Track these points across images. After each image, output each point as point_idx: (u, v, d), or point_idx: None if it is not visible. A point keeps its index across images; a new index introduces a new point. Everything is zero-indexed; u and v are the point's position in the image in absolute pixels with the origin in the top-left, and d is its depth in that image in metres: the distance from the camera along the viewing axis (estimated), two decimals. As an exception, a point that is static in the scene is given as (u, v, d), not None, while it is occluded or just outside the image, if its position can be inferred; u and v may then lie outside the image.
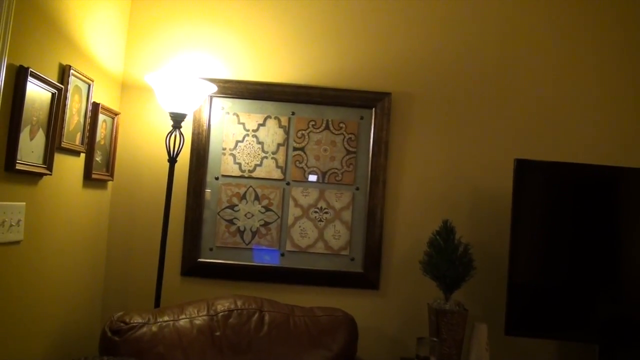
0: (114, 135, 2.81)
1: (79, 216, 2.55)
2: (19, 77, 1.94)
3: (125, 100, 2.93)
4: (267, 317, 2.50)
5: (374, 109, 2.93)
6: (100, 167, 2.69)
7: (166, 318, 2.33)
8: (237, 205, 2.93)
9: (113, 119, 2.79)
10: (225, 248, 2.92)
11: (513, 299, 2.58)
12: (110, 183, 2.88)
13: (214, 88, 2.72)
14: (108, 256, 2.89)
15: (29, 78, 1.97)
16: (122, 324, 2.23)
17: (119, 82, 2.90)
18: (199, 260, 2.89)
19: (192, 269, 2.89)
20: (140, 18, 2.95)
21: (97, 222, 2.77)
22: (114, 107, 2.82)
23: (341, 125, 2.96)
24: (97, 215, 2.76)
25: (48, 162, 2.17)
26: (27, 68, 1.95)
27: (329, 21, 2.98)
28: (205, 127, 2.92)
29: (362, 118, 2.96)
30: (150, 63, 2.94)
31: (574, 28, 3.00)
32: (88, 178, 2.57)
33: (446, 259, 2.60)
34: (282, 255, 2.92)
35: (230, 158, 2.94)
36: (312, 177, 2.94)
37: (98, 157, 2.66)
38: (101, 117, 2.64)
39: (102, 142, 2.70)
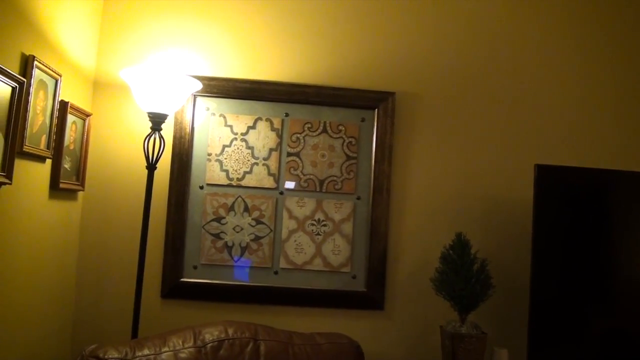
0: (85, 139, 2.48)
1: (44, 231, 2.20)
2: (-31, 66, 1.61)
3: (98, 100, 2.59)
4: (262, 347, 2.18)
5: (376, 110, 2.66)
6: (69, 175, 2.35)
7: (146, 352, 2.01)
8: (224, 218, 2.61)
9: (84, 120, 2.46)
10: (212, 266, 2.60)
11: (536, 320, 2.32)
12: (80, 193, 2.53)
13: (198, 85, 2.41)
14: (78, 277, 2.54)
15: (-18, 68, 1.65)
16: (95, 360, 1.90)
17: (90, 79, 2.56)
18: (182, 280, 2.57)
19: (174, 290, 2.56)
20: (115, 8, 2.62)
21: (66, 238, 2.43)
22: (85, 107, 2.48)
23: (340, 127, 2.67)
24: (65, 230, 2.41)
25: (7, 169, 1.85)
26: (-20, 55, 1.63)
27: (327, 13, 2.70)
28: (188, 130, 2.60)
29: (363, 120, 2.68)
30: (126, 59, 2.62)
31: (595, 26, 2.79)
32: (55, 188, 2.23)
33: (462, 276, 2.34)
34: (276, 273, 2.61)
35: (217, 165, 2.62)
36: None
37: (67, 164, 2.32)
38: (70, 118, 2.31)
39: (72, 147, 2.36)
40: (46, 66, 2.05)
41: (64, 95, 2.24)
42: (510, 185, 2.68)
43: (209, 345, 2.12)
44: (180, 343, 2.09)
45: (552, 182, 2.37)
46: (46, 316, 2.28)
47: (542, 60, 2.76)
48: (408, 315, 2.63)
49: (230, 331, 2.20)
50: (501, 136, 2.72)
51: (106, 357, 1.93)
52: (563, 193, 2.41)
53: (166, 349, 2.05)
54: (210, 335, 2.16)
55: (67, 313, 2.49)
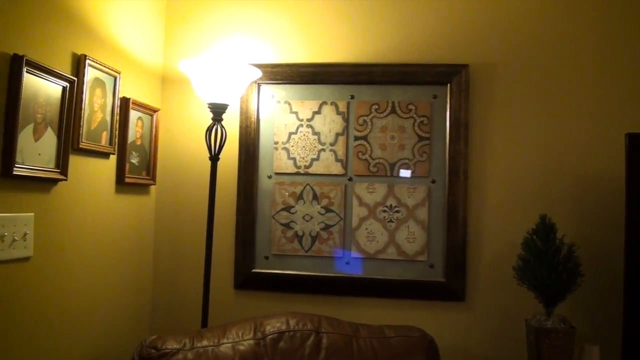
0: (154, 134, 2.52)
1: (114, 225, 2.27)
2: (13, 67, 1.66)
3: (167, 94, 2.64)
4: (324, 340, 2.09)
5: (448, 85, 2.46)
6: (138, 170, 2.41)
7: (205, 343, 1.99)
8: (293, 207, 2.55)
9: (151, 116, 2.50)
10: (283, 256, 2.55)
11: (631, 313, 2.01)
12: (153, 187, 2.59)
13: (257, 72, 2.35)
14: (155, 268, 2.62)
15: (27, 68, 1.69)
16: (153, 351, 1.93)
17: (157, 75, 2.61)
18: (254, 270, 2.55)
19: (246, 280, 2.55)
20: (178, 2, 2.64)
21: (140, 231, 2.49)
22: (153, 102, 2.52)
23: (410, 107, 2.50)
24: (139, 224, 2.48)
25: (62, 165, 1.89)
26: (22, 56, 1.67)
27: (390, -14, 2.53)
28: (253, 119, 2.56)
29: (435, 97, 2.49)
30: (192, 51, 2.63)
31: None
32: (121, 182, 2.29)
33: (546, 264, 2.09)
34: (347, 263, 2.51)
35: (284, 153, 2.56)
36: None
37: (134, 159, 2.37)
38: (135, 114, 2.36)
39: (139, 142, 2.41)
40: (101, 64, 2.08)
41: (125, 91, 2.28)
42: (600, 160, 2.36)
43: (269, 337, 2.07)
44: (240, 335, 2.06)
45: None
46: (122, 306, 2.35)
47: (631, 20, 2.39)
48: (491, 307, 2.41)
49: (292, 323, 2.13)
50: (588, 106, 2.40)
51: (164, 347, 1.94)
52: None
53: (225, 340, 2.03)
54: (271, 327, 2.11)
55: (145, 303, 2.57)
